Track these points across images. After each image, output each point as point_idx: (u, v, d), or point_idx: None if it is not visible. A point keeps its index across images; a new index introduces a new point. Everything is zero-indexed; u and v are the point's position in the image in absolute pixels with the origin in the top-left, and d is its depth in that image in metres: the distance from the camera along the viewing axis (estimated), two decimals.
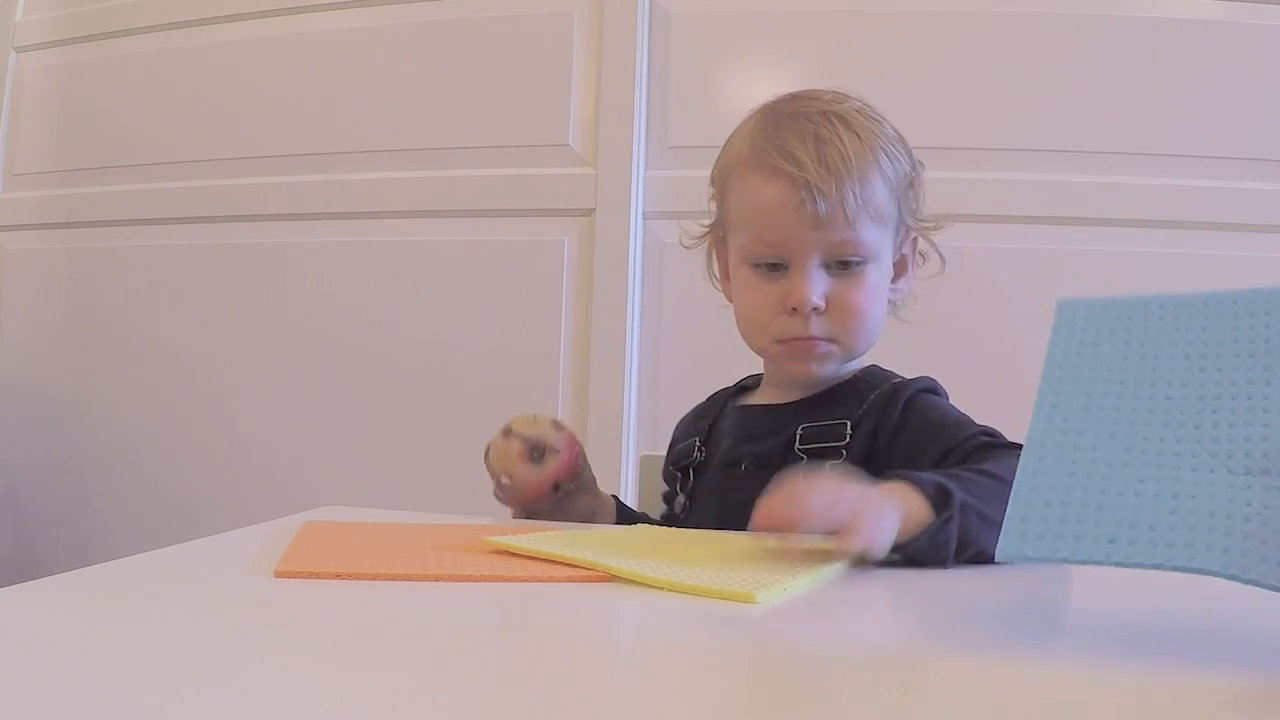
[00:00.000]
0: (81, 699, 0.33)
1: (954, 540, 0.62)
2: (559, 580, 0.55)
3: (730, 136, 0.91)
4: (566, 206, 1.79)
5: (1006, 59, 1.67)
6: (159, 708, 0.32)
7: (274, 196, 1.93)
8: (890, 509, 0.62)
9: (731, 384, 0.99)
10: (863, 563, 0.62)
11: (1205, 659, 0.41)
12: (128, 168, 2.03)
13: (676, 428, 1.02)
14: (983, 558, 0.63)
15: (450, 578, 0.54)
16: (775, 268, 0.84)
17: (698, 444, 0.94)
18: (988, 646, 0.44)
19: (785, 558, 0.60)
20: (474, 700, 0.34)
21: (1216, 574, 0.38)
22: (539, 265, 1.79)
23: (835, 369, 0.87)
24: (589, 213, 1.77)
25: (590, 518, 0.93)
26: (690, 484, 0.93)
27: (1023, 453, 0.46)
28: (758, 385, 0.96)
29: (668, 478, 0.97)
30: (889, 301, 0.89)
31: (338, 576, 0.53)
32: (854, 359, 0.88)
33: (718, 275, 0.95)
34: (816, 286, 0.83)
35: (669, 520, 0.94)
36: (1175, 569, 0.39)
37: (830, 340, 0.84)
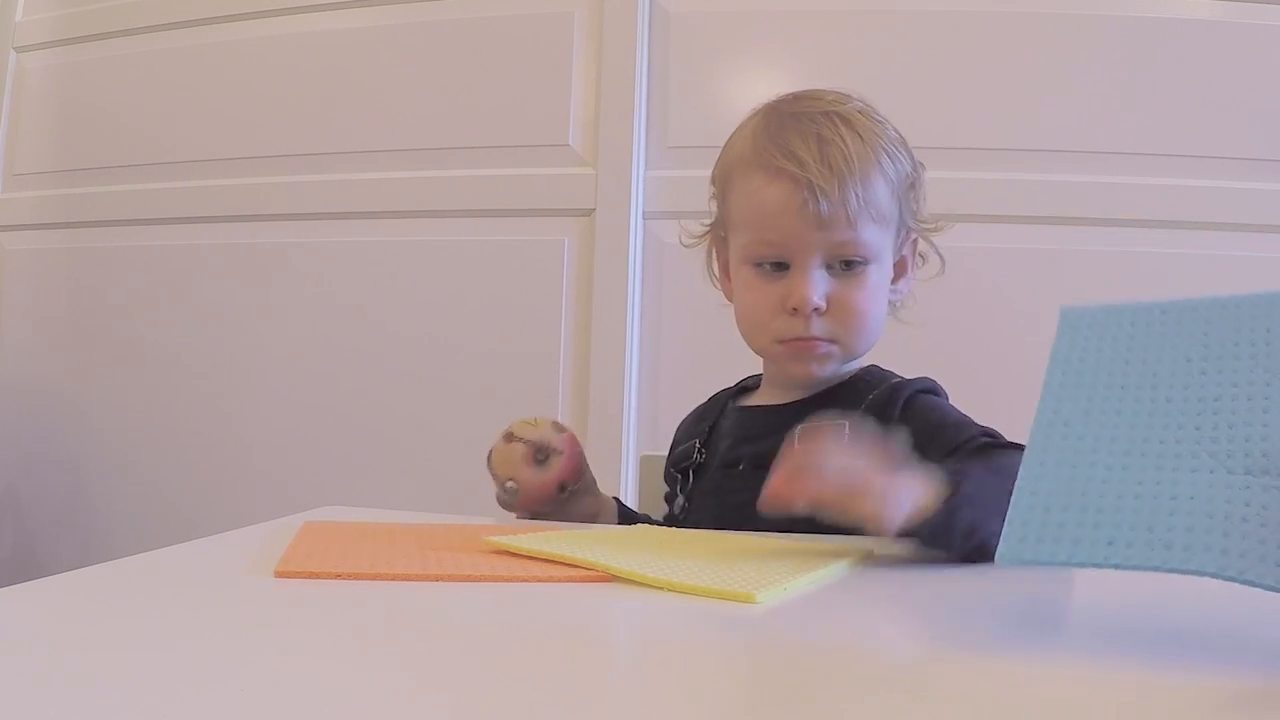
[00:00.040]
0: (81, 699, 0.33)
1: (960, 527, 0.62)
2: (559, 580, 0.55)
3: (731, 135, 0.91)
4: (566, 206, 1.79)
5: (1006, 59, 1.67)
6: (159, 708, 0.32)
7: (274, 196, 1.93)
8: (905, 486, 0.62)
9: (732, 384, 0.99)
10: (870, 557, 0.62)
11: (1205, 659, 0.41)
12: (128, 168, 2.03)
13: (678, 429, 1.02)
14: (984, 550, 0.63)
15: (450, 578, 0.54)
16: (776, 268, 0.84)
17: (697, 445, 0.94)
18: (988, 646, 0.44)
19: (787, 557, 0.60)
20: (474, 700, 0.34)
21: (1213, 575, 0.38)
22: (539, 265, 1.79)
23: (835, 369, 0.87)
24: (589, 213, 1.77)
25: (592, 519, 0.93)
26: (689, 485, 0.93)
27: (1024, 458, 0.46)
28: (758, 386, 0.96)
29: (668, 479, 0.97)
30: (889, 302, 0.89)
31: (338, 576, 0.53)
32: (854, 359, 0.89)
33: (717, 274, 0.95)
34: (818, 287, 0.83)
35: (669, 521, 0.95)
36: (1172, 571, 0.39)
37: (831, 341, 0.84)
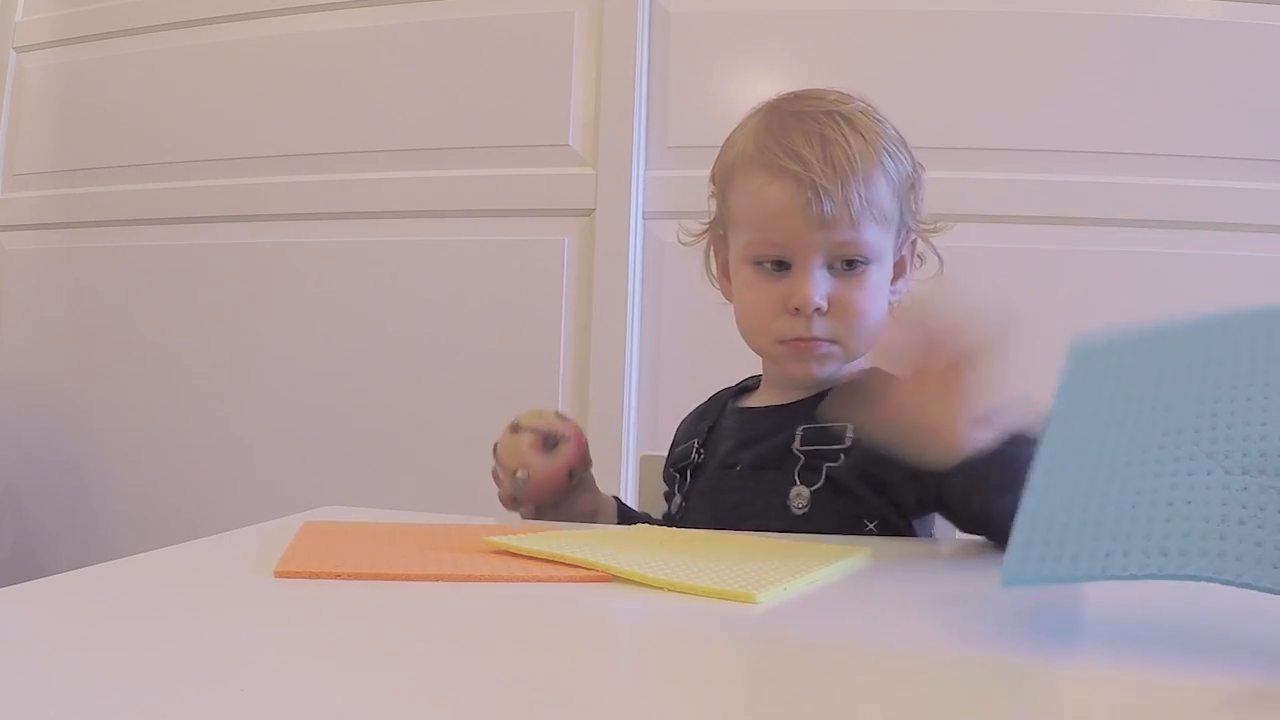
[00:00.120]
0: (81, 699, 0.33)
1: (1013, 469, 0.61)
2: (559, 580, 0.55)
3: (731, 134, 0.90)
4: (566, 206, 1.79)
5: (1006, 59, 1.67)
6: (159, 708, 0.32)
7: (274, 196, 1.93)
8: (985, 420, 0.61)
9: (734, 384, 0.99)
10: (870, 557, 0.62)
11: (1205, 659, 0.41)
12: (128, 168, 2.03)
13: (678, 428, 1.02)
14: (1007, 517, 0.62)
15: (450, 578, 0.54)
16: (777, 267, 0.84)
17: (696, 445, 0.94)
18: (988, 646, 0.44)
19: (787, 557, 0.60)
20: (474, 700, 0.34)
21: (1210, 580, 0.38)
22: (539, 265, 1.79)
23: (835, 370, 0.87)
24: (589, 213, 1.77)
25: (591, 517, 0.93)
26: (687, 485, 0.93)
27: (1027, 486, 0.46)
28: (759, 386, 0.96)
29: (667, 478, 0.97)
30: (888, 303, 0.89)
31: (338, 576, 0.53)
32: (855, 360, 0.88)
33: (715, 273, 0.95)
34: (819, 287, 0.82)
35: (667, 520, 0.95)
36: (1169, 578, 0.39)
37: (832, 341, 0.84)
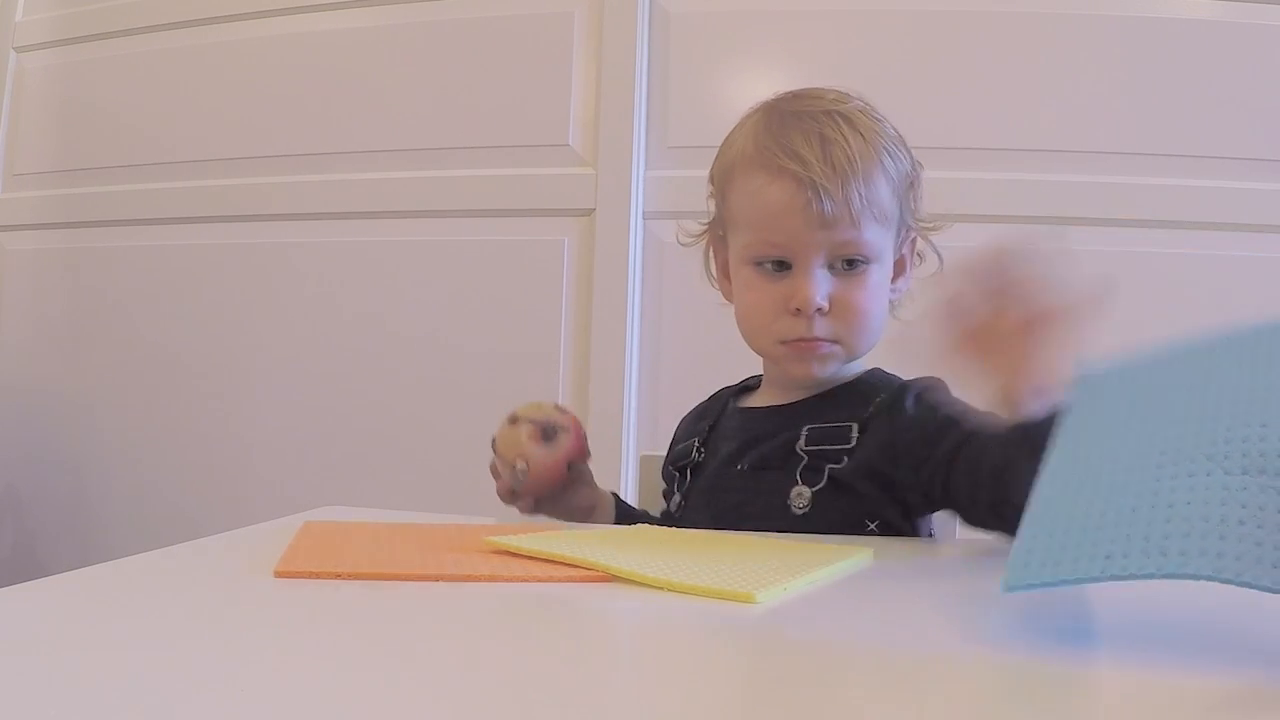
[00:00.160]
0: (81, 699, 0.33)
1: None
2: (559, 580, 0.55)
3: (730, 134, 0.90)
4: (566, 206, 1.79)
5: (1006, 59, 1.67)
6: (159, 708, 0.32)
7: (274, 196, 1.93)
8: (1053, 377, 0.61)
9: (735, 383, 0.99)
10: (870, 557, 0.62)
11: (1204, 658, 0.41)
12: (128, 168, 2.03)
13: (678, 426, 1.02)
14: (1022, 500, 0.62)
15: (450, 578, 0.54)
16: (778, 267, 0.84)
17: (697, 444, 0.93)
18: (988, 646, 0.44)
19: (787, 557, 0.60)
20: (474, 700, 0.34)
21: (1209, 579, 0.38)
22: (539, 265, 1.79)
23: (837, 370, 0.87)
24: (589, 213, 1.77)
25: (589, 511, 0.93)
26: (687, 484, 0.93)
27: (1030, 499, 0.47)
28: (759, 386, 0.96)
29: (666, 477, 0.97)
30: (888, 301, 0.89)
31: (338, 576, 0.53)
32: (856, 360, 0.88)
33: (715, 274, 0.95)
34: (820, 287, 0.82)
35: (668, 519, 0.94)
36: (1169, 577, 0.39)
37: (833, 341, 0.84)
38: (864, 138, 0.83)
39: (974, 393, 0.64)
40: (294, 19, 1.95)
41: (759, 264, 0.85)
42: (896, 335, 0.85)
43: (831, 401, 0.87)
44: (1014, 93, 1.66)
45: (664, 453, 1.00)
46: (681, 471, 0.94)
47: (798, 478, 0.83)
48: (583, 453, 0.90)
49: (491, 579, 0.54)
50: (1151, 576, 0.40)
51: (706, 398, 1.01)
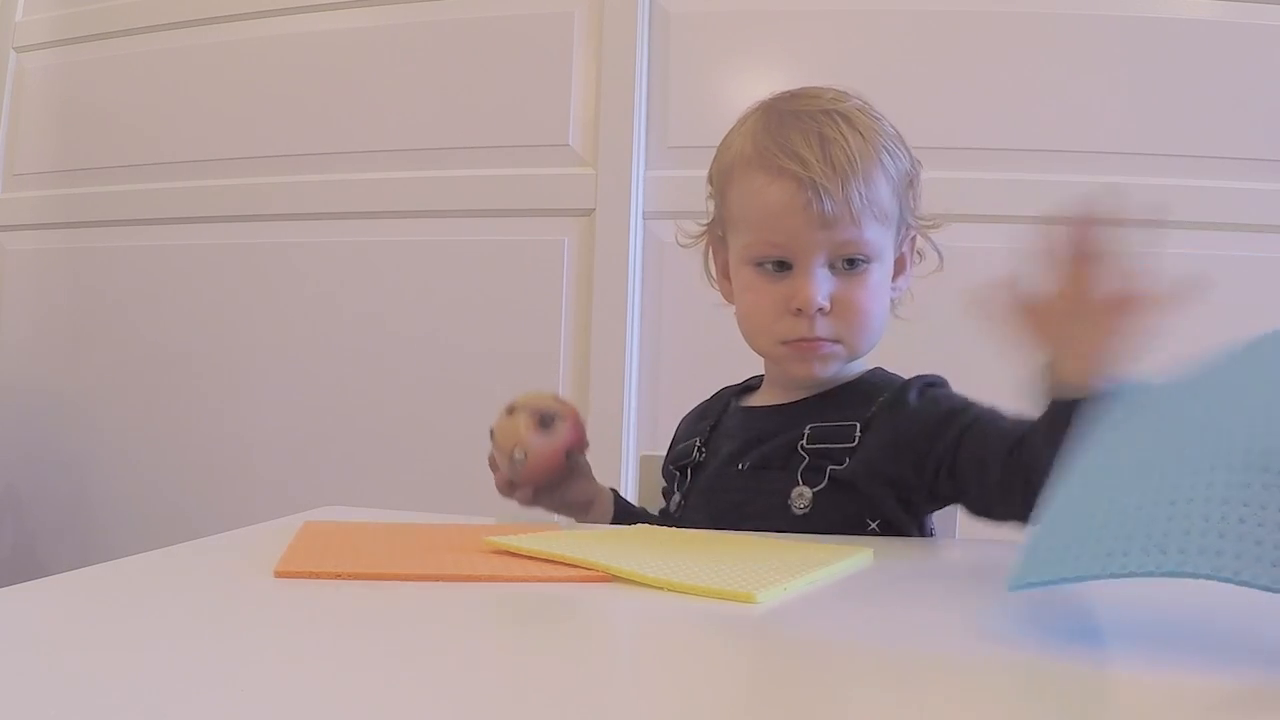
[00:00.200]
0: (81, 699, 0.33)
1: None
2: (559, 580, 0.55)
3: (728, 135, 0.90)
4: (566, 206, 1.79)
5: (1006, 59, 1.67)
6: (159, 708, 0.32)
7: (274, 196, 1.93)
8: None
9: (738, 382, 0.99)
10: (870, 557, 0.62)
11: (1204, 658, 0.41)
12: (128, 168, 2.03)
13: (680, 424, 1.02)
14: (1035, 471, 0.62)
15: (450, 578, 0.54)
16: (779, 267, 0.84)
17: (698, 444, 0.93)
18: (988, 646, 0.44)
19: (787, 557, 0.60)
20: (474, 700, 0.34)
21: (1208, 578, 0.38)
22: (539, 265, 1.79)
23: (838, 369, 0.87)
24: (589, 213, 1.77)
25: (588, 506, 0.93)
26: (687, 484, 0.93)
27: (1041, 510, 0.47)
28: (761, 385, 0.96)
29: (666, 475, 0.97)
30: (889, 300, 0.89)
31: (338, 576, 0.53)
32: (858, 359, 0.88)
33: (715, 274, 0.95)
34: (822, 287, 0.82)
35: (667, 518, 0.94)
36: (1168, 575, 0.39)
37: (835, 341, 0.84)
38: (863, 136, 0.83)
39: (1023, 363, 0.63)
40: (294, 19, 1.95)
41: (759, 264, 0.85)
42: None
43: (834, 401, 0.87)
44: (1014, 93, 1.65)
45: (664, 453, 1.00)
46: (682, 471, 0.94)
47: (799, 478, 0.83)
48: (581, 442, 0.90)
49: (491, 579, 0.54)
50: (1152, 574, 0.40)
51: (708, 397, 1.01)
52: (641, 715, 0.34)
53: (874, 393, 0.86)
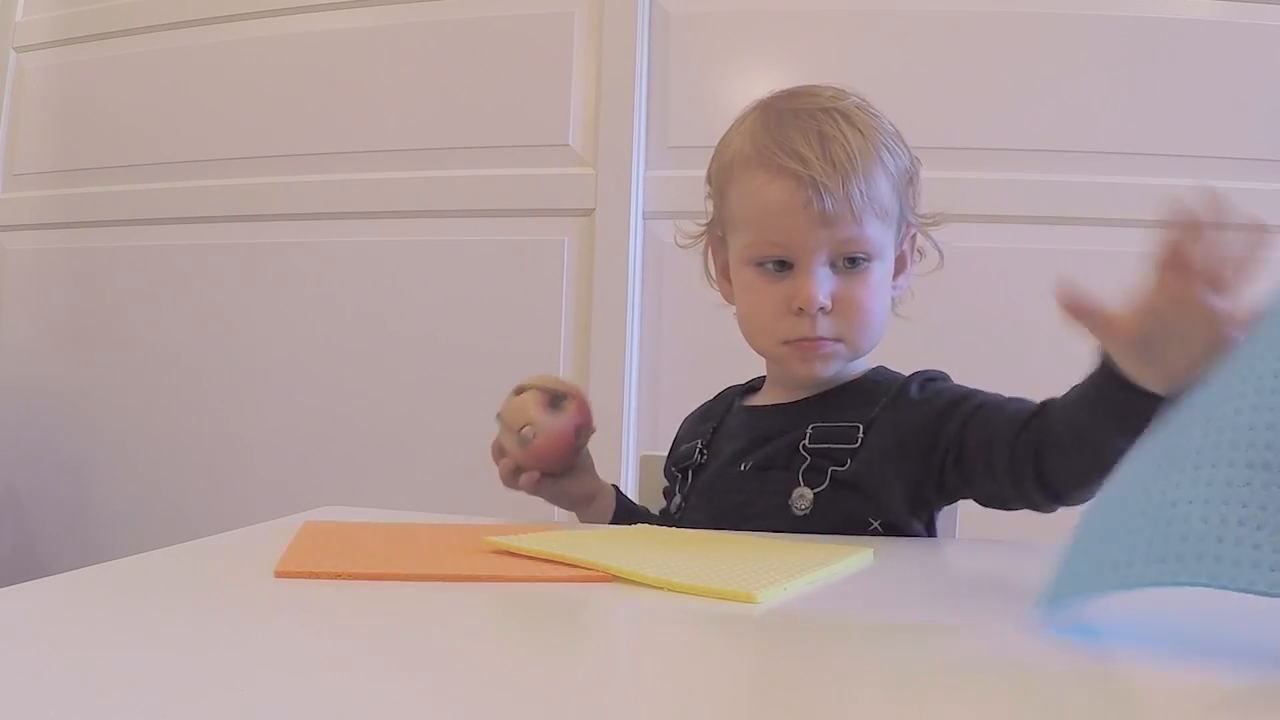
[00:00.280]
0: (81, 699, 0.33)
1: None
2: (559, 580, 0.55)
3: (726, 134, 0.90)
4: (566, 206, 1.79)
5: (1006, 59, 1.67)
6: (160, 708, 0.32)
7: (274, 196, 1.93)
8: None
9: (741, 382, 0.99)
10: (870, 557, 0.62)
11: (1204, 658, 0.41)
12: (128, 168, 2.03)
13: (681, 425, 1.01)
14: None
15: (450, 578, 0.54)
16: (779, 267, 0.83)
17: (700, 446, 0.93)
18: (988, 647, 0.44)
19: (787, 557, 0.60)
20: (474, 700, 0.34)
21: (1206, 585, 0.38)
22: (539, 265, 1.79)
23: (840, 368, 0.87)
24: (589, 213, 1.77)
25: (590, 500, 0.93)
26: (688, 485, 0.93)
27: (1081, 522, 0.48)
28: (763, 385, 0.96)
29: (668, 475, 0.97)
30: (890, 299, 0.89)
31: (338, 576, 0.53)
32: (859, 358, 0.88)
33: (715, 275, 0.95)
34: (823, 286, 0.82)
35: (668, 519, 0.94)
36: (1167, 585, 0.39)
37: (836, 340, 0.84)
38: (862, 134, 0.82)
39: (1118, 354, 0.61)
40: (294, 19, 1.95)
41: (760, 264, 0.84)
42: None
43: (836, 400, 0.87)
44: (1014, 93, 1.66)
45: (664, 453, 1.00)
46: (683, 473, 0.94)
47: (800, 478, 0.83)
48: (589, 423, 0.90)
49: (491, 579, 0.54)
50: (1153, 585, 0.40)
51: (711, 398, 1.01)
52: (641, 715, 0.34)
53: (877, 392, 0.85)
